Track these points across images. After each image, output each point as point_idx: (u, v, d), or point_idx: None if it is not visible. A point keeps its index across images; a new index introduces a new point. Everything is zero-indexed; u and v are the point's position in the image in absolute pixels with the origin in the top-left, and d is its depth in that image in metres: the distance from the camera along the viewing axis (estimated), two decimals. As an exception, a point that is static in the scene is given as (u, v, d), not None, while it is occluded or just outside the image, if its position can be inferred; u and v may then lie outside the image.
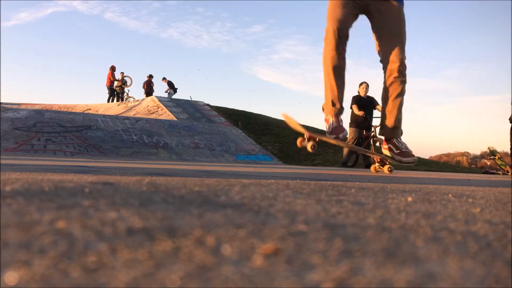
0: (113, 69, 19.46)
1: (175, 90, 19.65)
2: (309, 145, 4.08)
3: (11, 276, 0.39)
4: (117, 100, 19.54)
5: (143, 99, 17.69)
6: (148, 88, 19.29)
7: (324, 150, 13.04)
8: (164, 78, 20.10)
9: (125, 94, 19.83)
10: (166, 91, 19.64)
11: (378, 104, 9.54)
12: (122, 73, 20.00)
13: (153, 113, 15.19)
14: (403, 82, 3.64)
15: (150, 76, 19.70)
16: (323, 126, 4.41)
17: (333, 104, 3.82)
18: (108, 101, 19.29)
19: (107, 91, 19.31)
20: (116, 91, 19.50)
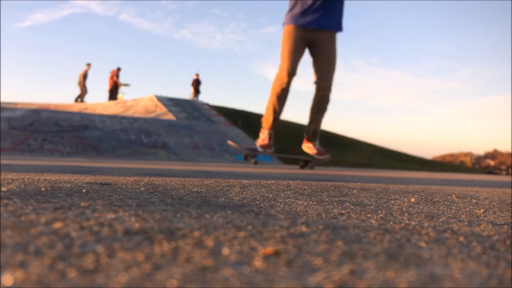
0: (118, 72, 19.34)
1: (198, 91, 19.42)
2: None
3: (7, 278, 0.38)
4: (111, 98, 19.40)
5: (141, 98, 17.66)
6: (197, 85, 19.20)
7: (326, 151, 13.04)
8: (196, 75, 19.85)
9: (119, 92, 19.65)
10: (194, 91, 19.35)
11: None
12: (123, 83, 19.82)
13: (151, 112, 15.17)
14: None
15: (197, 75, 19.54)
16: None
17: (274, 121, 4.50)
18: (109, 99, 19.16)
19: (107, 93, 19.20)
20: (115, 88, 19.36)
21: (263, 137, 4.66)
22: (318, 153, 4.89)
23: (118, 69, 18.64)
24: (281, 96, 4.34)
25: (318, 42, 4.25)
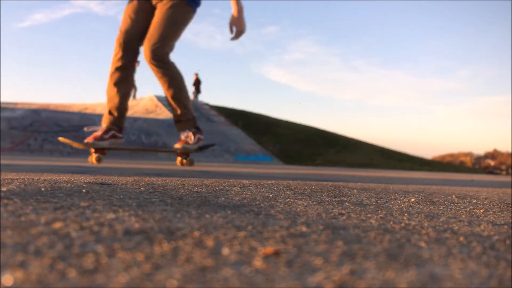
0: None
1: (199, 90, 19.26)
2: (94, 158, 3.91)
3: (7, 278, 0.38)
4: None
5: (141, 98, 17.65)
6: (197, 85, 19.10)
7: (325, 150, 13.06)
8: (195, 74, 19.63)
9: None
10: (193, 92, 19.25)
11: None
12: None
13: (151, 112, 15.17)
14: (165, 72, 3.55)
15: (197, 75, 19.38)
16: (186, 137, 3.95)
17: (110, 113, 3.74)
18: None
19: None
20: None
21: (98, 131, 3.64)
22: (184, 141, 3.86)
23: None
24: (118, 79, 3.41)
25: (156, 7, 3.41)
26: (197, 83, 19.41)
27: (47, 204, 0.77)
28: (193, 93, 19.33)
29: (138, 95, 19.36)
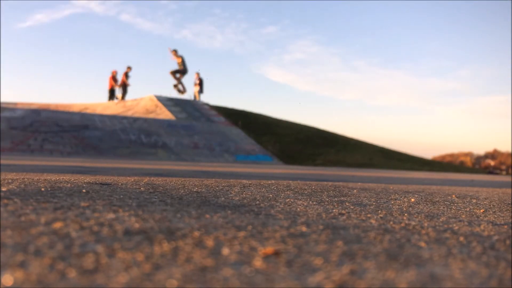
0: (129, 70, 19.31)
1: (202, 90, 19.34)
2: None
3: (7, 278, 0.38)
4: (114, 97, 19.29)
5: (141, 98, 17.63)
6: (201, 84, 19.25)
7: (325, 150, 13.06)
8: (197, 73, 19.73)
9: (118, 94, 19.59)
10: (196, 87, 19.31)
11: None
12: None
13: (151, 112, 15.17)
14: None
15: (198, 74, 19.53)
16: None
17: None
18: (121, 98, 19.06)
19: (120, 90, 19.06)
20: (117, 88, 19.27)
21: None
22: None
23: (129, 68, 18.52)
24: None
25: None
26: (201, 82, 19.43)
27: (47, 204, 0.77)
28: (198, 92, 19.36)
29: (138, 95, 19.34)
